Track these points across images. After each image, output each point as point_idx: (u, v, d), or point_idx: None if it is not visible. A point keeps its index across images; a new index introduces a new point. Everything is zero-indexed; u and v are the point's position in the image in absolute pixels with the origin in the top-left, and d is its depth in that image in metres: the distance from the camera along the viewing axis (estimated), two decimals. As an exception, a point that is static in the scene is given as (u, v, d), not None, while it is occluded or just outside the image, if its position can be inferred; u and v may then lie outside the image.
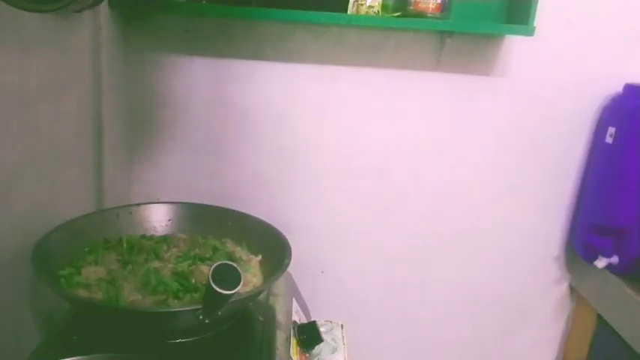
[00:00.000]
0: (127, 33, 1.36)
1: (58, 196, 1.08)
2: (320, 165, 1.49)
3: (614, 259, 1.37)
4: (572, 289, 1.61)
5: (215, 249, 1.05)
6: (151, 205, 1.14)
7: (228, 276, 0.69)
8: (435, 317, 1.63)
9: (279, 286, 1.08)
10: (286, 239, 1.01)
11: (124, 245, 1.02)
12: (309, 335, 0.98)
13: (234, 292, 0.69)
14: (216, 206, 1.15)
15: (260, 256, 1.04)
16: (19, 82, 0.92)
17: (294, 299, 1.10)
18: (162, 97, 1.43)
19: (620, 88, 1.37)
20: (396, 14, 1.28)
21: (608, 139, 1.37)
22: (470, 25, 1.32)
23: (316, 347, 1.01)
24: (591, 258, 1.41)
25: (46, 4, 0.76)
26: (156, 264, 0.97)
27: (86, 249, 1.00)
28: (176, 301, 0.86)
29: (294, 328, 0.99)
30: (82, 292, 0.87)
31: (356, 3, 1.30)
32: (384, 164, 1.49)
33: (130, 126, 1.44)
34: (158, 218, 1.12)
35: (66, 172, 1.12)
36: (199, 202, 1.17)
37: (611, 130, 1.36)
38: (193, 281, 0.91)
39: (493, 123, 1.46)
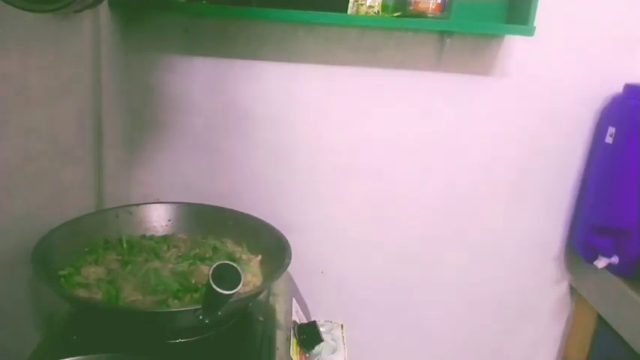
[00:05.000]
0: (127, 33, 1.36)
1: (58, 196, 1.08)
2: (320, 165, 1.49)
3: (614, 259, 1.37)
4: (572, 289, 1.61)
5: (215, 249, 1.05)
6: (151, 205, 1.14)
7: (228, 276, 0.69)
8: (435, 317, 1.63)
9: (279, 286, 1.08)
10: (286, 239, 1.01)
11: (124, 245, 1.03)
12: (309, 335, 0.98)
13: (234, 292, 0.69)
14: (216, 206, 1.15)
15: (260, 256, 1.04)
16: (19, 82, 0.92)
17: (294, 299, 1.10)
18: (162, 97, 1.43)
19: (620, 88, 1.37)
20: (396, 14, 1.28)
21: (608, 139, 1.37)
22: (470, 25, 1.32)
23: (316, 347, 1.01)
24: (591, 258, 1.42)
25: (46, 4, 0.76)
26: (156, 264, 0.97)
27: (86, 249, 1.00)
28: (176, 301, 0.87)
29: (294, 328, 0.99)
30: (81, 292, 0.87)
31: (356, 3, 1.30)
32: (384, 164, 1.49)
33: (130, 126, 1.44)
34: (158, 218, 1.13)
35: (66, 172, 1.11)
36: (199, 202, 1.17)
37: (611, 130, 1.36)
38: (193, 281, 0.92)
39: (493, 123, 1.46)
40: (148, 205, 1.13)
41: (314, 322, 1.01)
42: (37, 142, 0.99)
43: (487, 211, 1.54)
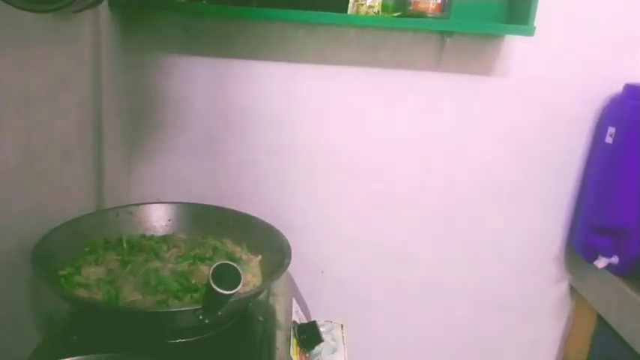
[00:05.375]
0: (127, 33, 1.36)
1: (58, 196, 1.08)
2: (320, 165, 1.49)
3: (614, 259, 1.37)
4: (572, 289, 1.61)
5: (215, 249, 1.05)
6: (151, 205, 1.13)
7: (228, 276, 0.69)
8: (435, 317, 1.63)
9: (279, 286, 1.08)
10: (286, 239, 1.01)
11: (124, 245, 1.02)
12: (309, 335, 0.98)
13: (234, 292, 0.69)
14: (216, 206, 1.14)
15: (260, 256, 1.04)
16: (19, 81, 0.92)
17: (294, 299, 1.10)
18: (162, 97, 1.43)
19: (620, 88, 1.37)
20: (396, 14, 1.28)
21: (608, 139, 1.37)
22: (470, 25, 1.32)
23: (316, 347, 1.00)
24: (591, 258, 1.42)
25: (46, 4, 0.76)
26: (156, 264, 0.97)
27: (86, 249, 0.99)
28: (176, 301, 0.86)
29: (294, 328, 0.99)
30: (81, 292, 0.87)
31: (356, 3, 1.30)
32: (383, 164, 1.49)
33: (130, 126, 1.44)
34: (158, 218, 1.12)
35: (66, 172, 1.11)
36: (199, 202, 1.17)
37: (611, 130, 1.36)
38: (193, 281, 0.91)
39: (493, 123, 1.46)
40: (148, 205, 1.13)
41: (314, 322, 1.01)
42: (37, 142, 0.99)
43: (487, 211, 1.54)
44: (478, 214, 1.54)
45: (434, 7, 1.25)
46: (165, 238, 1.09)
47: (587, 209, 1.46)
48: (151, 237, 1.09)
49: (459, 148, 1.48)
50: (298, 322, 1.03)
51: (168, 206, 1.14)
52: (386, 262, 1.57)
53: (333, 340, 1.12)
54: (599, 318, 1.46)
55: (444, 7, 1.26)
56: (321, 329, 1.00)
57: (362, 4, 1.29)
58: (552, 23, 1.34)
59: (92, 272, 0.93)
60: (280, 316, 0.98)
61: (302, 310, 1.11)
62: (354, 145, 1.47)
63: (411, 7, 1.26)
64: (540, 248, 1.57)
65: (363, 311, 1.61)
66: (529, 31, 1.25)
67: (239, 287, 0.69)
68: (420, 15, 1.26)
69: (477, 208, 1.53)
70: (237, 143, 1.47)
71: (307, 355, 0.99)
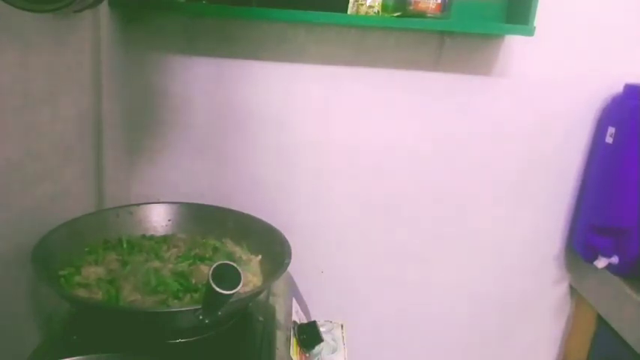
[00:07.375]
0: (127, 33, 1.36)
1: (58, 196, 1.08)
2: (320, 165, 1.49)
3: (614, 259, 1.37)
4: (572, 289, 1.61)
5: (215, 249, 1.05)
6: (151, 205, 1.13)
7: (228, 276, 0.69)
8: (435, 317, 1.63)
9: (279, 286, 1.08)
10: (286, 239, 1.01)
11: (124, 245, 1.02)
12: (309, 335, 0.98)
13: (234, 292, 0.69)
14: (216, 206, 1.14)
15: (260, 256, 1.04)
16: (19, 82, 0.92)
17: (294, 299, 1.10)
18: (162, 97, 1.43)
19: (620, 88, 1.37)
20: (396, 14, 1.28)
21: (608, 139, 1.37)
22: (470, 25, 1.32)
23: (316, 347, 1.00)
24: (591, 258, 1.42)
25: (46, 4, 0.76)
26: (156, 264, 0.97)
27: (86, 249, 0.99)
28: (176, 301, 0.86)
29: (294, 328, 0.99)
30: (81, 292, 0.87)
31: (356, 3, 1.30)
32: (383, 164, 1.49)
33: (130, 126, 1.44)
34: (158, 218, 1.12)
35: (66, 172, 1.12)
36: (199, 202, 1.17)
37: (611, 130, 1.36)
38: (193, 281, 0.91)
39: (493, 123, 1.46)
40: (148, 205, 1.13)
41: (314, 322, 1.01)
42: (37, 142, 0.99)
43: (487, 211, 1.54)
44: (478, 214, 1.54)
45: (434, 7, 1.25)
46: (165, 238, 1.08)
47: (587, 209, 1.46)
48: (151, 237, 1.09)
49: (459, 148, 1.48)
50: (298, 322, 1.03)
51: (168, 206, 1.14)
52: (386, 262, 1.57)
53: (333, 340, 1.12)
54: (599, 318, 1.46)
55: (444, 7, 1.26)
56: (321, 329, 1.00)
57: (362, 4, 1.29)
58: (552, 23, 1.34)
59: (92, 272, 0.93)
60: (280, 316, 0.98)
61: (302, 310, 1.11)
62: (354, 144, 1.47)
63: (411, 7, 1.26)
64: (540, 248, 1.58)
65: (363, 311, 1.61)
66: (529, 31, 1.26)
67: (239, 287, 0.69)
68: (420, 15, 1.26)
69: (476, 208, 1.53)
70: (237, 143, 1.47)
71: (307, 355, 0.99)
